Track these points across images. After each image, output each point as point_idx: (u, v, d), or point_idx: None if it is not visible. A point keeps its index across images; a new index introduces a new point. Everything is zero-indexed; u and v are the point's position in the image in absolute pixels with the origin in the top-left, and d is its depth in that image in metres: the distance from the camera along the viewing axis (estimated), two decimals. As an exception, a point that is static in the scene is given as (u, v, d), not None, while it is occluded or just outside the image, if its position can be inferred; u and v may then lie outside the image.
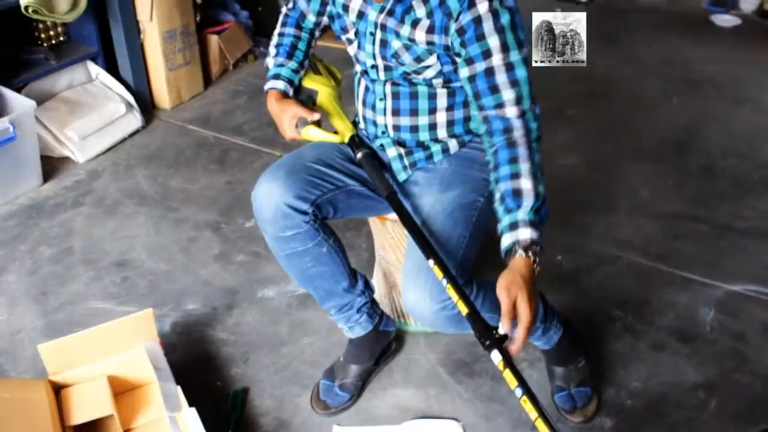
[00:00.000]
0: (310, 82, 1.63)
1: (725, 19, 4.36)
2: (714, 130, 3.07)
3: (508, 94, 1.33)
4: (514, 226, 1.25)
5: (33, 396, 1.54)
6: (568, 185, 2.63)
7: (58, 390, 1.62)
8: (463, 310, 1.23)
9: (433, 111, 1.52)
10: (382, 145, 1.60)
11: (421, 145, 1.57)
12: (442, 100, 1.51)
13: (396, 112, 1.54)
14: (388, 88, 1.52)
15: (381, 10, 1.43)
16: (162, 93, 3.18)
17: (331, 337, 1.93)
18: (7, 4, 2.58)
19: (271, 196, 1.48)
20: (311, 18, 1.64)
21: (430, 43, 1.39)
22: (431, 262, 1.29)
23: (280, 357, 1.89)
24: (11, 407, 1.49)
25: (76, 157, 2.77)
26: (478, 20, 1.32)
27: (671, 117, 3.20)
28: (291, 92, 1.58)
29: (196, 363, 1.86)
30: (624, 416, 1.71)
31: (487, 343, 1.17)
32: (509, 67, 1.32)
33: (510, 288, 1.19)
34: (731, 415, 1.72)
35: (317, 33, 1.68)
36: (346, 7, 1.50)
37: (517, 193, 1.27)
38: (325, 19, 1.64)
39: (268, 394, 1.78)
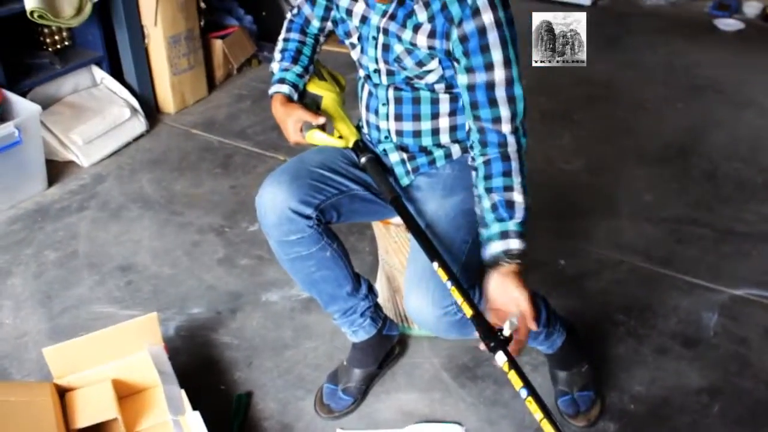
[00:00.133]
0: (315, 88, 1.63)
1: (729, 24, 4.36)
2: (717, 134, 3.07)
3: (505, 111, 1.36)
4: (504, 235, 1.31)
5: (38, 399, 1.55)
6: (571, 189, 2.63)
7: (62, 393, 1.63)
8: (468, 312, 1.25)
9: (435, 116, 1.52)
10: (384, 150, 1.60)
11: (424, 150, 1.57)
12: (444, 106, 1.51)
13: (399, 117, 1.54)
14: (391, 93, 1.53)
15: (383, 15, 1.43)
16: (166, 97, 3.20)
17: (334, 341, 1.93)
18: (13, 9, 2.59)
19: (275, 201, 1.49)
20: (315, 23, 1.64)
21: (431, 47, 1.40)
22: (435, 264, 1.31)
23: (283, 361, 1.89)
24: (16, 410, 1.50)
25: (80, 161, 2.78)
26: (482, 30, 1.32)
27: (674, 121, 3.19)
28: (296, 96, 1.58)
29: (200, 367, 1.87)
30: (627, 420, 1.71)
31: (492, 344, 1.20)
32: (509, 82, 1.36)
33: (506, 288, 1.27)
34: (734, 419, 1.72)
35: (322, 38, 1.68)
36: (349, 12, 1.50)
37: (509, 205, 1.32)
38: (329, 25, 1.64)
39: (271, 398, 1.78)
